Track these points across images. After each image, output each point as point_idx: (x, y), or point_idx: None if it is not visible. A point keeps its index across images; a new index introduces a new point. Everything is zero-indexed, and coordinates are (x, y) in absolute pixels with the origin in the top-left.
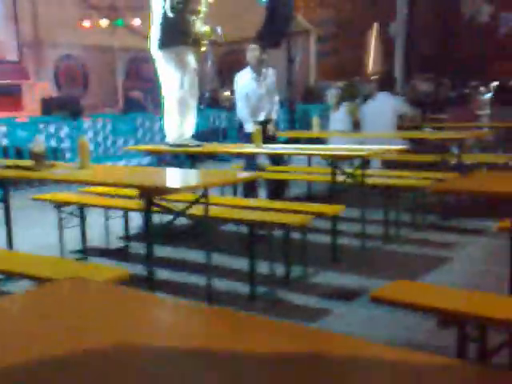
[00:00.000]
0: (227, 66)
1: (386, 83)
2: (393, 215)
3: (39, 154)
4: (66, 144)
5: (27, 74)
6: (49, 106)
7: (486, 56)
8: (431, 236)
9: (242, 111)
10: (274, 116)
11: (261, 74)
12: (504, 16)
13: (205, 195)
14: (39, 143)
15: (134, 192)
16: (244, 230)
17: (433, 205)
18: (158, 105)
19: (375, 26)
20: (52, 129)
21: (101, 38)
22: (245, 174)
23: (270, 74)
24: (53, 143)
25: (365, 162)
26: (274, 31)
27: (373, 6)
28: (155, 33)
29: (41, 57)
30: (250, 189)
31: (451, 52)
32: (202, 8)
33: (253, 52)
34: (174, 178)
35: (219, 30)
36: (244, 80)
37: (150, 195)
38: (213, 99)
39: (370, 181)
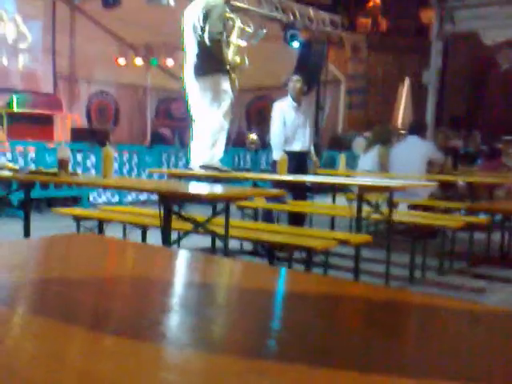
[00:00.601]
0: (256, 110)
1: (416, 127)
2: (419, 259)
3: (64, 160)
4: (91, 174)
5: (60, 106)
6: (78, 136)
7: None
8: (459, 281)
9: (276, 136)
10: (311, 149)
11: (300, 105)
12: None
13: (227, 207)
14: (64, 149)
15: (155, 213)
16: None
17: (460, 252)
18: (184, 142)
19: (406, 80)
20: (79, 157)
21: (134, 76)
22: (271, 191)
23: (307, 104)
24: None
25: (392, 199)
26: (305, 78)
27: (404, 64)
28: (191, 62)
29: (75, 91)
30: (268, 219)
31: (484, 105)
32: (236, 39)
33: (295, 82)
34: (196, 187)
35: (247, 61)
36: (283, 107)
37: (169, 201)
38: (239, 141)
39: (396, 218)
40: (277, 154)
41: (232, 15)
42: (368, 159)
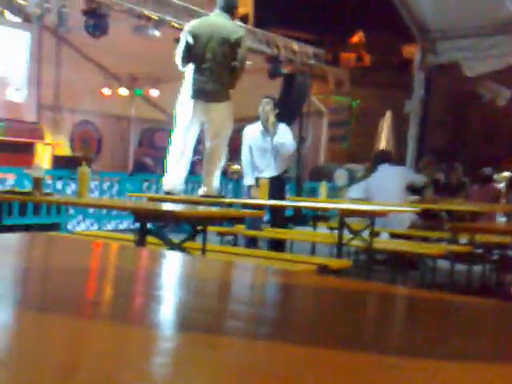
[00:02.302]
0: (237, 141)
1: (381, 156)
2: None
3: (38, 179)
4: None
5: (42, 135)
6: (60, 163)
7: (500, 143)
8: None
9: (243, 162)
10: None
11: (271, 129)
12: None
13: (204, 228)
14: (38, 168)
15: (131, 237)
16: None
17: (441, 283)
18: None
19: (388, 113)
20: (59, 185)
21: (118, 106)
22: (248, 211)
23: (282, 129)
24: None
25: (373, 226)
26: (288, 110)
27: (386, 98)
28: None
29: (58, 120)
30: (250, 246)
31: (466, 137)
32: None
33: (264, 105)
34: (171, 206)
35: None
36: (251, 133)
37: (143, 218)
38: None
39: (378, 245)
40: (247, 180)
41: None
42: (357, 188)
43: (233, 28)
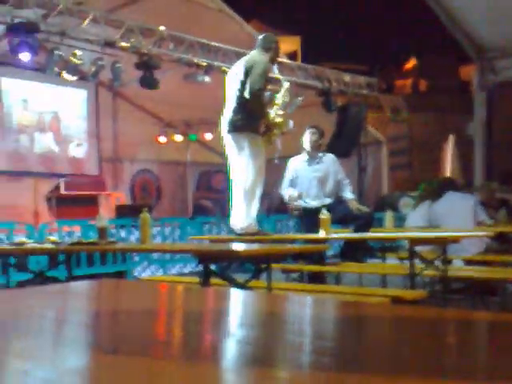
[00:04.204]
0: None
1: (447, 185)
2: None
3: (103, 228)
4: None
5: (105, 186)
6: (122, 213)
7: None
8: None
9: (282, 192)
10: (349, 196)
11: (315, 158)
12: None
13: (268, 266)
14: (102, 218)
15: (196, 279)
16: None
17: None
18: (226, 213)
19: (451, 137)
20: (123, 233)
21: (175, 153)
22: (312, 246)
23: (328, 159)
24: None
25: (446, 254)
26: (344, 142)
27: (446, 122)
28: (227, 116)
29: (119, 171)
30: (317, 279)
31: None
32: (280, 100)
33: (309, 134)
34: (233, 246)
35: (291, 123)
36: (296, 162)
37: (206, 260)
38: (282, 207)
39: (453, 273)
40: (285, 194)
41: (279, 76)
42: (417, 216)
43: (251, 57)
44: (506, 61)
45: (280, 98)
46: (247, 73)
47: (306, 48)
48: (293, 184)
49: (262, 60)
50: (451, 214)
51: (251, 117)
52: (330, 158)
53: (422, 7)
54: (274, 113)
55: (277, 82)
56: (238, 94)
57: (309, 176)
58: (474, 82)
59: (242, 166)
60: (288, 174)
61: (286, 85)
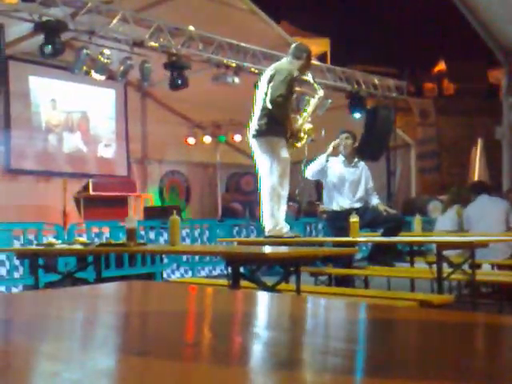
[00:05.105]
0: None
1: (480, 188)
2: None
3: (131, 230)
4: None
5: (134, 188)
6: (151, 214)
7: None
8: None
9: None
10: (375, 201)
11: (351, 162)
12: None
13: (297, 269)
14: (131, 220)
15: (225, 282)
16: None
17: None
18: (255, 215)
19: (479, 141)
20: (152, 235)
21: (204, 154)
22: (342, 250)
23: (362, 166)
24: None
25: (474, 258)
26: (373, 145)
27: (475, 125)
28: (254, 121)
29: (148, 172)
30: (345, 283)
31: None
32: (311, 107)
33: (344, 140)
34: (262, 249)
35: (323, 132)
36: (335, 160)
37: (235, 263)
38: (311, 211)
39: (482, 278)
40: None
41: (316, 84)
42: (446, 220)
43: (279, 64)
44: None
45: (312, 105)
46: (271, 80)
47: (335, 50)
48: (322, 172)
49: (286, 68)
50: (484, 218)
51: (273, 122)
52: (363, 165)
53: (450, 11)
54: (303, 119)
55: (313, 89)
56: (262, 99)
57: (343, 175)
58: (502, 85)
59: (266, 170)
60: (321, 159)
61: (321, 93)
